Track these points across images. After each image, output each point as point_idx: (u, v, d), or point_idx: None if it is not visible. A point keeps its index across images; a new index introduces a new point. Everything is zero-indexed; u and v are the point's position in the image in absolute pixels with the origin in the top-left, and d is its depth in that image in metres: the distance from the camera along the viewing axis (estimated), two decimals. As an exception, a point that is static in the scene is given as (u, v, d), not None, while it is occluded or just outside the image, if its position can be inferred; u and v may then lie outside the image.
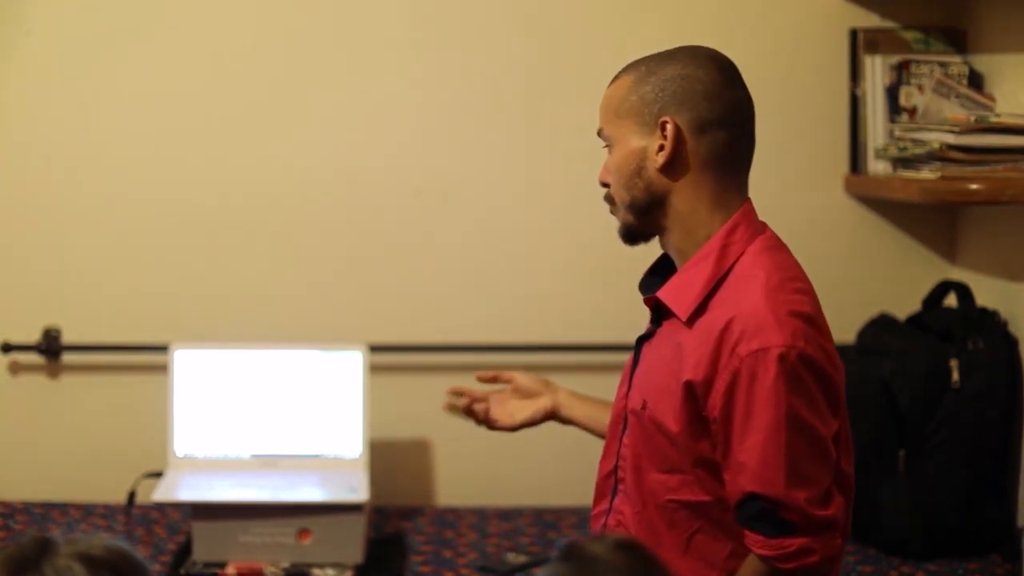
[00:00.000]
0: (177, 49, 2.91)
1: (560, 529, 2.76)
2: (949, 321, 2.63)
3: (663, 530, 1.82)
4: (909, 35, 2.88)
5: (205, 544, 2.51)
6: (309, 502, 2.54)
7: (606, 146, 1.89)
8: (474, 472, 2.93)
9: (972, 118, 2.50)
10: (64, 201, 2.94)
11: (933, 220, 2.94)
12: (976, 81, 2.81)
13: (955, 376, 2.52)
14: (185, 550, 2.56)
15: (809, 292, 1.81)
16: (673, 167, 1.81)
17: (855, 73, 2.89)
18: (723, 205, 1.83)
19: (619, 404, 1.93)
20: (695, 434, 1.77)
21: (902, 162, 2.72)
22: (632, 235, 1.90)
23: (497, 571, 2.54)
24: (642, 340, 1.91)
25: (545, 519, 2.80)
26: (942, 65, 2.82)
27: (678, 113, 1.80)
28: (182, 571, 2.49)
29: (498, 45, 2.93)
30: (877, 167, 2.83)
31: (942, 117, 2.64)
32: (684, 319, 1.79)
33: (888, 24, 2.89)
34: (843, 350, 2.72)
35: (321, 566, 2.51)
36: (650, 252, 1.95)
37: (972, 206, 2.81)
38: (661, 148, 1.80)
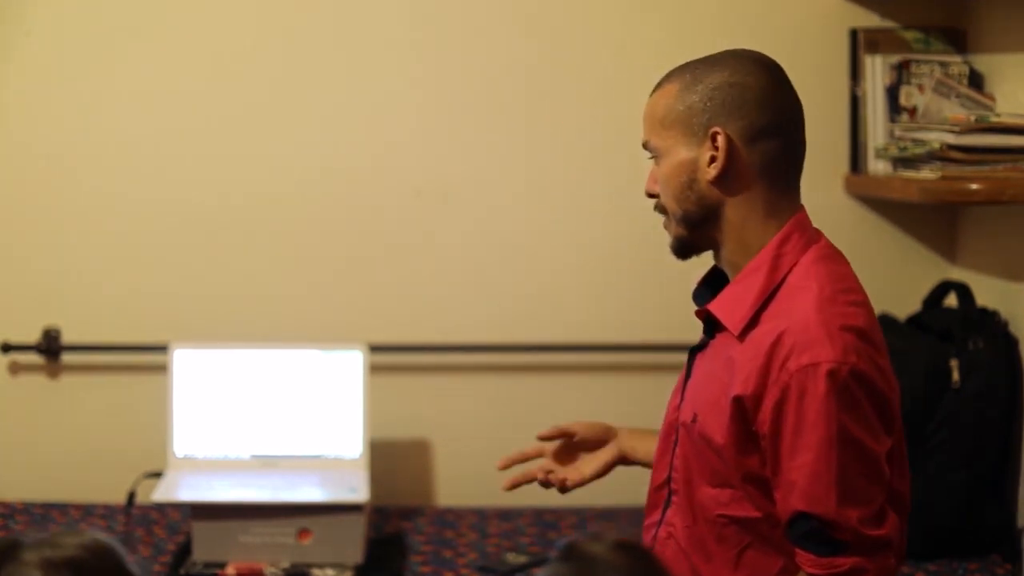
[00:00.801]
0: (177, 49, 2.91)
1: (560, 529, 2.76)
2: (949, 321, 2.63)
3: (713, 545, 1.79)
4: (909, 35, 2.88)
5: (205, 544, 2.51)
6: (309, 502, 2.54)
7: (652, 157, 1.83)
8: (474, 472, 2.93)
9: (972, 118, 2.50)
10: (64, 201, 2.94)
11: (933, 220, 2.94)
12: (976, 81, 2.81)
13: (955, 376, 2.52)
14: (185, 550, 2.56)
15: (864, 304, 1.77)
16: (726, 179, 1.76)
17: (855, 73, 2.89)
18: (776, 215, 1.78)
19: (671, 416, 1.88)
20: (743, 449, 1.73)
21: (902, 162, 2.72)
22: (685, 249, 1.84)
23: (497, 571, 2.53)
24: (695, 351, 1.86)
25: (545, 519, 2.80)
26: (942, 65, 2.82)
27: (728, 122, 1.75)
28: (182, 571, 2.49)
29: (498, 45, 2.93)
30: (877, 167, 2.83)
31: (942, 117, 2.63)
32: (736, 333, 1.75)
33: (888, 24, 2.89)
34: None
35: (321, 566, 2.51)
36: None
37: (972, 206, 2.81)
38: (712, 160, 1.75)
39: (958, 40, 2.87)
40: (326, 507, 2.53)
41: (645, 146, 1.83)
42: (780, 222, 1.78)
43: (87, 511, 2.82)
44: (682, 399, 1.86)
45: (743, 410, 1.72)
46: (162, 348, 2.74)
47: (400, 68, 2.92)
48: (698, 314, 1.84)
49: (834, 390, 1.66)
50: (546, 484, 2.09)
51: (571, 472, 2.10)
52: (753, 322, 1.74)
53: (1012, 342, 2.59)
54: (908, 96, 2.84)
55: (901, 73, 2.84)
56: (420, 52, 2.93)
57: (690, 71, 1.79)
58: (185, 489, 2.60)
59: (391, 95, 2.93)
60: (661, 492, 1.89)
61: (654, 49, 2.92)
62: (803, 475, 1.67)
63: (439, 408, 2.98)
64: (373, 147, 2.94)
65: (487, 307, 2.96)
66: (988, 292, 2.70)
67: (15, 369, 2.96)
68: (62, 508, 2.84)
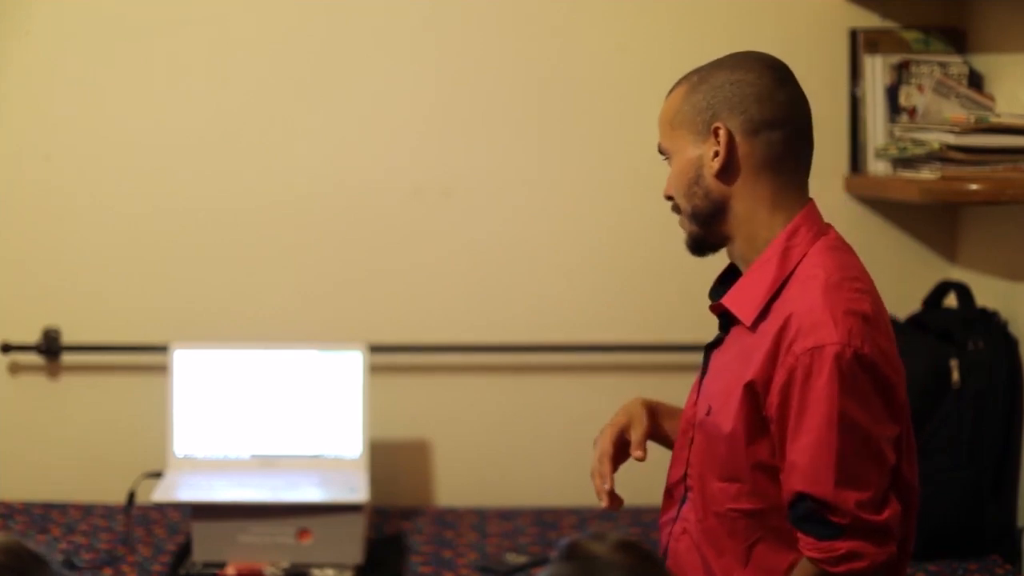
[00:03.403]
0: (177, 48, 2.91)
1: (560, 529, 2.76)
2: (949, 321, 2.63)
3: (724, 539, 1.81)
4: (909, 35, 2.88)
5: (205, 544, 2.51)
6: (309, 502, 2.54)
7: (666, 159, 1.88)
8: (474, 472, 2.93)
9: (972, 118, 2.50)
10: (64, 201, 2.94)
11: (933, 220, 2.94)
12: (976, 81, 2.81)
13: (955, 376, 2.52)
14: (185, 550, 2.56)
15: (870, 292, 1.79)
16: (728, 172, 1.80)
17: (855, 73, 2.89)
18: (783, 207, 1.82)
19: (688, 412, 1.91)
20: (753, 437, 1.76)
21: (902, 162, 2.72)
22: (699, 246, 1.88)
23: (497, 571, 2.53)
24: (710, 348, 1.89)
25: (545, 519, 2.80)
26: (942, 65, 2.82)
27: (729, 118, 1.80)
28: (182, 571, 2.49)
29: (499, 44, 2.93)
30: (877, 167, 2.83)
31: (942, 117, 2.63)
32: (748, 324, 1.78)
33: (888, 24, 2.89)
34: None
35: (321, 566, 2.51)
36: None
37: (972, 206, 2.81)
38: (716, 154, 1.80)
39: (958, 40, 2.87)
40: (326, 507, 2.53)
41: (659, 150, 1.88)
42: (788, 215, 1.82)
43: (87, 511, 2.82)
44: (699, 396, 1.88)
45: (754, 395, 1.75)
46: (162, 348, 2.74)
47: (399, 68, 2.92)
48: (712, 309, 1.87)
49: (838, 372, 1.68)
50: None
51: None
52: (764, 313, 1.77)
53: (1012, 342, 2.59)
54: (908, 96, 2.84)
55: (901, 73, 2.84)
56: (419, 52, 2.93)
57: (697, 73, 1.85)
58: (185, 489, 2.60)
59: (390, 95, 2.93)
60: (678, 489, 1.90)
61: (655, 48, 2.92)
62: (804, 456, 1.70)
63: (439, 408, 2.98)
64: (373, 148, 2.94)
65: (487, 307, 2.96)
66: (988, 292, 2.70)
67: (15, 369, 2.96)
68: (62, 508, 2.84)
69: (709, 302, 1.88)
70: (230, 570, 2.49)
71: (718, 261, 1.91)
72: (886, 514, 1.70)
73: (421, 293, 2.95)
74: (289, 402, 2.70)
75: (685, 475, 1.88)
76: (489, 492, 2.90)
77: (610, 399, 2.07)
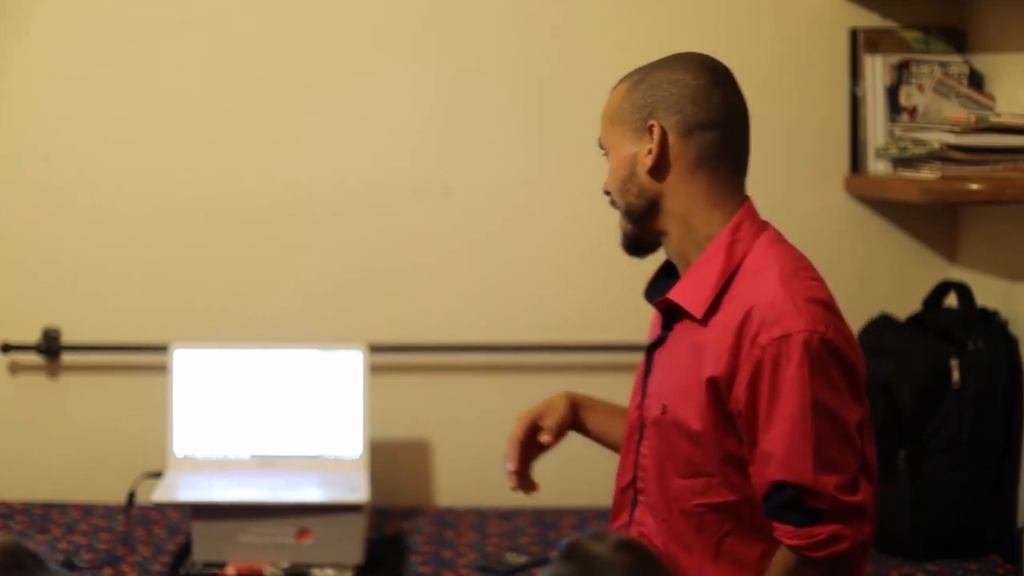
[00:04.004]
0: (177, 48, 2.91)
1: (560, 529, 2.76)
2: (949, 321, 2.63)
3: (692, 536, 1.82)
4: (909, 35, 2.88)
5: (205, 544, 2.51)
6: (309, 502, 2.54)
7: (605, 154, 1.92)
8: (474, 472, 2.93)
9: (972, 118, 2.50)
10: (64, 201, 2.94)
11: (933, 220, 2.94)
12: (976, 81, 2.81)
13: (955, 376, 2.52)
14: (185, 550, 2.56)
15: (821, 280, 1.82)
16: (661, 169, 1.84)
17: (855, 73, 2.89)
18: (721, 204, 1.85)
19: (633, 415, 1.92)
20: (721, 431, 1.78)
21: (902, 162, 2.72)
22: (633, 245, 1.92)
23: (497, 571, 2.53)
24: (652, 348, 1.91)
25: (545, 519, 2.80)
26: (942, 65, 2.82)
27: (665, 116, 1.83)
28: (182, 571, 2.49)
29: (499, 44, 2.93)
30: (877, 167, 2.83)
31: (942, 117, 2.64)
32: (699, 316, 1.80)
33: (888, 24, 2.89)
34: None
35: (321, 566, 2.51)
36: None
37: (972, 206, 2.81)
38: (650, 151, 1.83)
39: (958, 40, 2.87)
40: (326, 507, 2.53)
41: (600, 145, 1.93)
42: (727, 212, 1.85)
43: (87, 511, 2.82)
44: (644, 396, 1.90)
45: (717, 391, 1.76)
46: (162, 348, 2.74)
47: (400, 68, 2.92)
48: (657, 305, 1.89)
49: (807, 359, 1.71)
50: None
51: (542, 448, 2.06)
52: (715, 306, 1.80)
53: (1012, 342, 2.59)
54: (908, 96, 2.84)
55: (901, 73, 2.84)
56: (420, 52, 2.93)
57: (639, 72, 1.89)
58: (185, 489, 2.60)
59: (390, 95, 2.93)
60: (627, 494, 1.93)
61: (655, 48, 2.90)
62: (780, 445, 1.71)
63: (439, 408, 2.98)
64: (373, 148, 2.94)
65: (487, 307, 2.96)
66: (988, 292, 2.70)
67: (15, 369, 2.96)
68: (62, 508, 2.84)
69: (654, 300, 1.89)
70: (230, 570, 2.49)
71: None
72: (861, 495, 1.73)
73: (421, 293, 2.95)
74: (289, 402, 2.70)
75: (635, 478, 1.90)
76: (489, 492, 2.90)
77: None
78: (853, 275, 2.95)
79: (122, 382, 2.95)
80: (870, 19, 2.90)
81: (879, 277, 2.96)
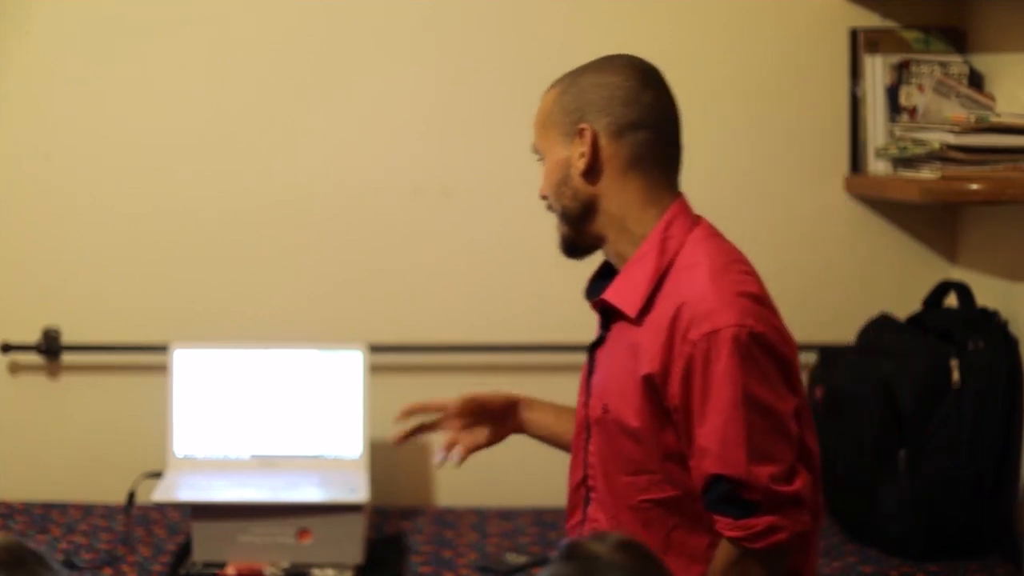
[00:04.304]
0: (177, 49, 2.91)
1: (560, 529, 2.75)
2: (949, 321, 2.63)
3: (640, 532, 1.84)
4: (909, 35, 2.88)
5: (205, 544, 2.51)
6: (309, 502, 2.54)
7: (540, 159, 1.94)
8: (474, 472, 2.92)
9: (972, 118, 2.50)
10: (64, 201, 2.94)
11: (933, 220, 2.94)
12: (976, 81, 2.81)
13: (955, 376, 2.52)
14: (185, 550, 2.56)
15: (753, 274, 1.84)
16: (594, 172, 1.86)
17: (855, 73, 2.89)
18: (654, 203, 1.86)
19: (580, 413, 1.95)
20: (659, 427, 1.80)
21: (902, 162, 2.72)
22: (570, 247, 1.94)
23: (497, 571, 2.53)
24: (594, 347, 1.94)
25: (545, 519, 2.80)
26: (942, 65, 2.82)
27: (596, 119, 1.85)
28: (182, 571, 2.49)
29: (502, 45, 2.92)
30: (877, 167, 2.83)
31: (942, 117, 2.64)
32: (633, 316, 1.82)
33: (888, 24, 2.89)
34: (843, 350, 2.74)
35: (321, 566, 2.51)
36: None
37: (972, 206, 2.81)
38: (582, 155, 1.85)
39: (958, 40, 2.87)
40: (326, 507, 2.53)
41: (534, 150, 1.95)
42: (660, 209, 1.86)
43: (87, 511, 2.82)
44: (588, 395, 1.92)
45: (653, 388, 1.79)
46: (162, 348, 2.74)
47: (400, 68, 2.92)
48: (594, 305, 1.91)
49: (737, 353, 1.72)
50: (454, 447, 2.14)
51: (466, 437, 2.14)
52: (649, 304, 1.81)
53: (1012, 342, 2.58)
54: (908, 96, 2.84)
55: (901, 73, 2.84)
56: (420, 52, 2.93)
57: (569, 76, 1.92)
58: (185, 489, 2.60)
59: (390, 95, 2.93)
60: (579, 491, 1.95)
61: (656, 48, 2.91)
62: (713, 439, 1.74)
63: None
64: (373, 148, 2.94)
65: (487, 307, 2.96)
66: (988, 292, 2.70)
67: (15, 369, 2.96)
68: (62, 508, 2.84)
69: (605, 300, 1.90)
70: (230, 570, 2.49)
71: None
72: (797, 484, 1.75)
73: (421, 293, 2.95)
74: (289, 402, 2.70)
75: (585, 476, 1.93)
76: (489, 492, 2.90)
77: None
78: (853, 275, 2.96)
79: (122, 382, 2.95)
80: (870, 19, 2.90)
81: (879, 277, 2.96)
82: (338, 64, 2.93)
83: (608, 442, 1.87)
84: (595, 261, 2.78)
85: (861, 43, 2.87)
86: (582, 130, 1.85)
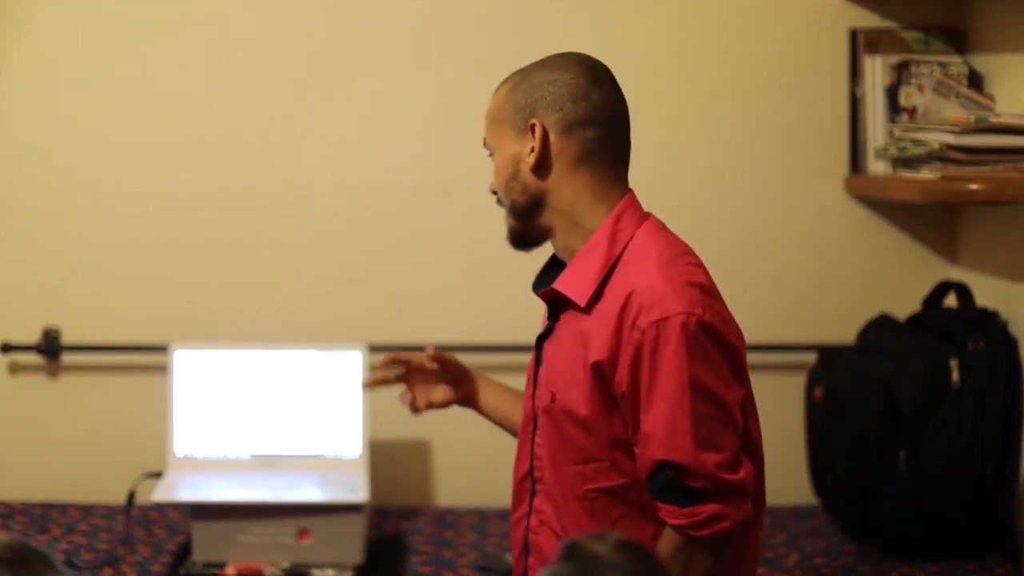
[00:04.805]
0: (177, 49, 2.92)
1: (560, 529, 2.75)
2: (949, 321, 2.63)
3: (586, 521, 1.85)
4: (909, 35, 2.88)
5: (205, 544, 2.51)
6: (309, 502, 2.54)
7: (491, 154, 1.95)
8: (474, 472, 2.93)
9: (972, 118, 2.50)
10: (64, 201, 2.94)
11: (933, 220, 2.94)
12: (976, 81, 2.81)
13: (955, 376, 2.52)
14: (185, 550, 2.56)
15: (701, 266, 1.86)
16: (543, 167, 1.88)
17: (855, 73, 2.89)
18: (603, 198, 1.88)
19: (527, 405, 1.97)
20: (607, 415, 1.82)
21: (902, 162, 2.72)
22: (519, 240, 1.97)
23: (497, 571, 2.53)
24: (542, 339, 1.95)
25: (545, 519, 2.80)
26: (942, 65, 2.82)
27: (546, 115, 1.87)
28: (182, 571, 2.49)
29: (502, 45, 2.92)
30: (877, 167, 2.83)
31: (942, 117, 2.64)
32: (583, 304, 1.84)
33: (888, 24, 2.90)
34: (843, 350, 2.74)
35: (321, 566, 2.51)
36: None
37: (972, 206, 2.81)
38: (532, 150, 1.87)
39: (958, 40, 2.87)
40: (326, 507, 2.53)
41: (485, 145, 1.97)
42: (610, 204, 1.88)
43: (87, 511, 2.83)
44: (535, 386, 1.94)
45: (601, 375, 1.80)
46: (162, 348, 2.74)
47: (400, 69, 2.92)
48: (543, 295, 1.93)
49: (685, 341, 1.74)
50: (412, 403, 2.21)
51: (422, 394, 2.22)
52: (598, 294, 1.83)
53: (1012, 342, 2.59)
54: (908, 96, 2.84)
55: (901, 73, 2.84)
56: (420, 52, 2.93)
57: (520, 73, 1.93)
58: (185, 489, 2.60)
59: (390, 95, 2.94)
60: (525, 483, 1.96)
61: (655, 48, 2.92)
62: (659, 425, 1.75)
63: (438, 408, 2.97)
64: (373, 148, 2.94)
65: (487, 307, 2.96)
66: (988, 292, 2.70)
67: (15, 369, 2.96)
68: (62, 508, 2.84)
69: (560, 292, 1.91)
70: (230, 570, 2.49)
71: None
72: (742, 473, 1.77)
73: (421, 293, 2.95)
74: (289, 402, 2.70)
75: (531, 468, 1.94)
76: (489, 492, 2.90)
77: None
78: (853, 275, 2.96)
79: (122, 382, 2.95)
80: (870, 19, 2.90)
81: (879, 277, 2.96)
82: (338, 64, 2.93)
83: (556, 431, 1.88)
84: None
85: (861, 43, 2.87)
86: (532, 126, 1.87)
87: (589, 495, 1.85)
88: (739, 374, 1.82)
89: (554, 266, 1.98)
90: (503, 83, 1.95)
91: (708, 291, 1.81)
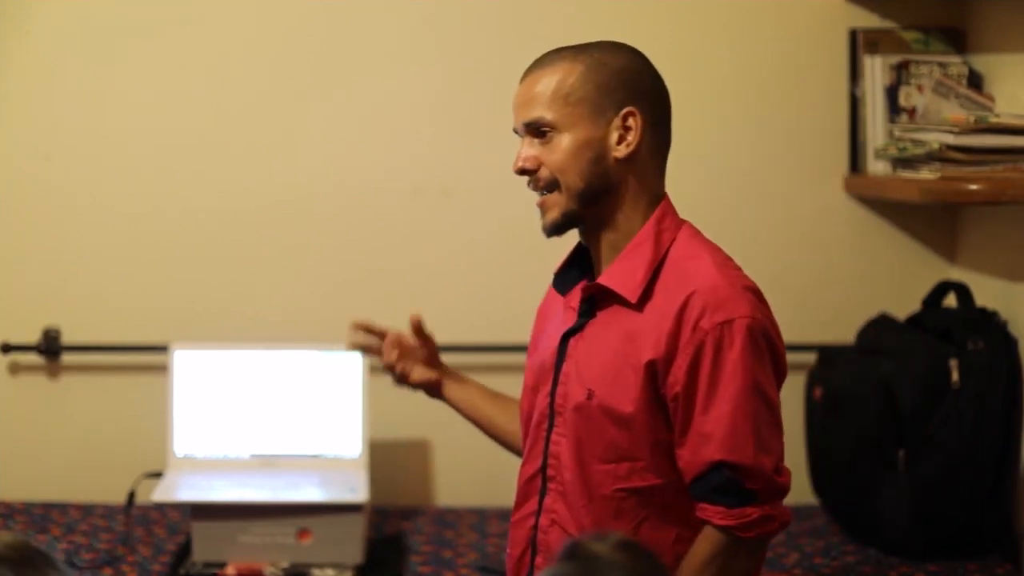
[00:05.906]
0: (177, 49, 2.92)
1: (560, 529, 2.75)
2: (949, 321, 2.63)
3: (610, 521, 1.84)
4: (909, 35, 2.88)
5: (205, 544, 2.51)
6: (309, 502, 2.54)
7: (540, 132, 1.87)
8: (474, 472, 2.93)
9: (972, 118, 2.50)
10: (64, 201, 2.94)
11: (933, 220, 2.94)
12: (976, 81, 2.81)
13: (955, 376, 2.52)
14: (185, 550, 2.57)
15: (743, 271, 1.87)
16: (633, 159, 1.85)
17: (855, 73, 2.89)
18: (655, 196, 1.89)
19: (542, 403, 1.93)
20: (652, 415, 1.80)
21: (902, 162, 2.72)
22: (566, 224, 1.89)
23: (497, 571, 2.53)
24: (568, 336, 1.91)
25: (545, 519, 2.80)
26: (942, 65, 2.83)
27: (642, 105, 1.84)
28: (182, 571, 2.49)
29: (502, 45, 2.92)
30: (877, 167, 2.83)
31: (942, 117, 2.64)
32: (634, 301, 1.82)
33: (888, 24, 2.90)
34: (842, 350, 2.75)
35: (321, 566, 2.51)
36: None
37: (972, 206, 2.81)
38: (621, 139, 1.84)
39: (958, 40, 2.87)
40: (326, 507, 2.53)
41: (535, 121, 1.88)
42: (654, 204, 1.88)
43: (87, 511, 2.83)
44: (556, 384, 1.90)
45: (654, 374, 1.79)
46: (162, 348, 2.74)
47: (400, 68, 2.92)
48: (585, 291, 1.89)
49: (749, 344, 1.75)
50: (391, 369, 2.23)
51: (408, 366, 2.23)
52: (648, 291, 1.82)
53: (1012, 342, 2.59)
54: (908, 96, 2.84)
55: (901, 73, 2.84)
56: (420, 52, 2.93)
57: (586, 53, 1.86)
58: (185, 489, 2.60)
59: (390, 95, 2.94)
60: (534, 482, 1.94)
61: (656, 48, 2.91)
62: (720, 425, 1.75)
63: (439, 408, 2.96)
64: (373, 148, 2.94)
65: (487, 307, 2.96)
66: (988, 292, 2.70)
67: (15, 369, 2.96)
68: (62, 508, 2.84)
69: (578, 288, 1.90)
70: (230, 570, 2.49)
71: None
72: (786, 476, 1.79)
73: (421, 293, 2.95)
74: (289, 402, 2.70)
75: (544, 465, 1.91)
76: (489, 492, 2.90)
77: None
78: (853, 275, 2.96)
79: (122, 382, 2.95)
80: (870, 19, 2.90)
81: (879, 277, 2.96)
82: (338, 64, 2.93)
83: (588, 429, 1.85)
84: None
85: (860, 43, 2.87)
86: (630, 113, 1.83)
87: (617, 495, 1.83)
88: (781, 379, 1.83)
89: (574, 264, 1.96)
90: (562, 60, 1.86)
91: (761, 297, 1.81)
